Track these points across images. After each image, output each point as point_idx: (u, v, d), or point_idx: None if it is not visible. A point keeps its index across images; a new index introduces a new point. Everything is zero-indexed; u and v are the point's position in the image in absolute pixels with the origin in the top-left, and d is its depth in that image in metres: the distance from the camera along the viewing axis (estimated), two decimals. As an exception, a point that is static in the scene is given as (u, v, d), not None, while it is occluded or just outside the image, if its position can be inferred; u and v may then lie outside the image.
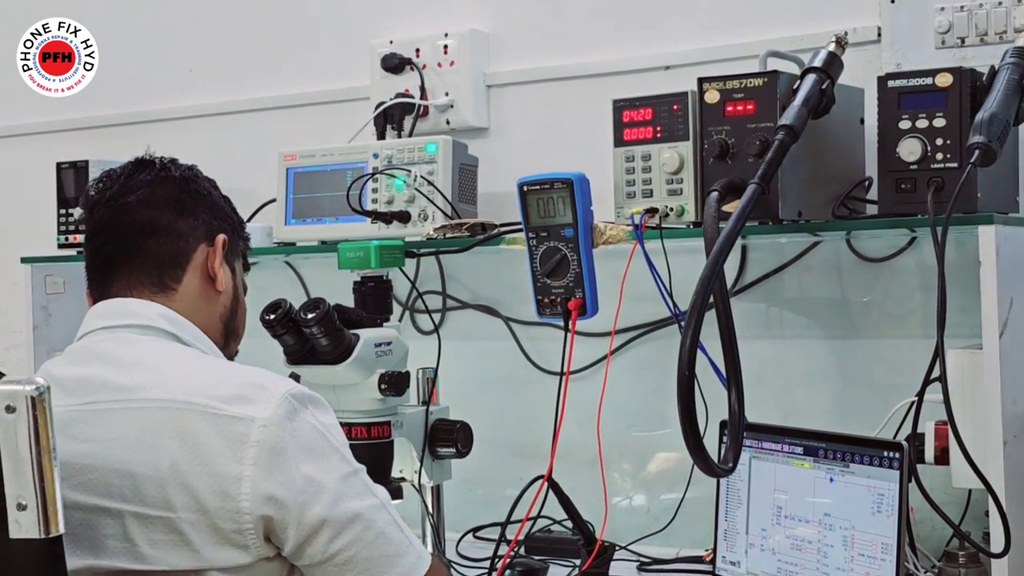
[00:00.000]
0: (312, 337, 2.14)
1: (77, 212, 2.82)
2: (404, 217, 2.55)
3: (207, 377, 1.61)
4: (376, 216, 2.54)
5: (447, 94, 2.81)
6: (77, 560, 1.55)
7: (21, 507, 1.38)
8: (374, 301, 2.34)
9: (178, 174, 1.81)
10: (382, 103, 2.80)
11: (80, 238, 2.84)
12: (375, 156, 2.62)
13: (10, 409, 1.37)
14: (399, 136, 2.78)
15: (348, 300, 2.32)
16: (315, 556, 1.57)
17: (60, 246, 2.88)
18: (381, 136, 2.79)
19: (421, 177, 2.54)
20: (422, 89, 2.81)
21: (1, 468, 1.38)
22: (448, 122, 2.81)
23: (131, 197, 1.76)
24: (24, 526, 1.38)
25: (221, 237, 1.80)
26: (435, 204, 2.52)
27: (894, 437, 2.12)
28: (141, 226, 1.75)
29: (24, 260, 2.94)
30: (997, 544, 1.85)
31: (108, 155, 2.87)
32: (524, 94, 2.80)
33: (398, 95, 2.81)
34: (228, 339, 1.83)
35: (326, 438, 1.60)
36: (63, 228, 2.87)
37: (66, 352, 1.74)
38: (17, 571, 1.40)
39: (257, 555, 1.56)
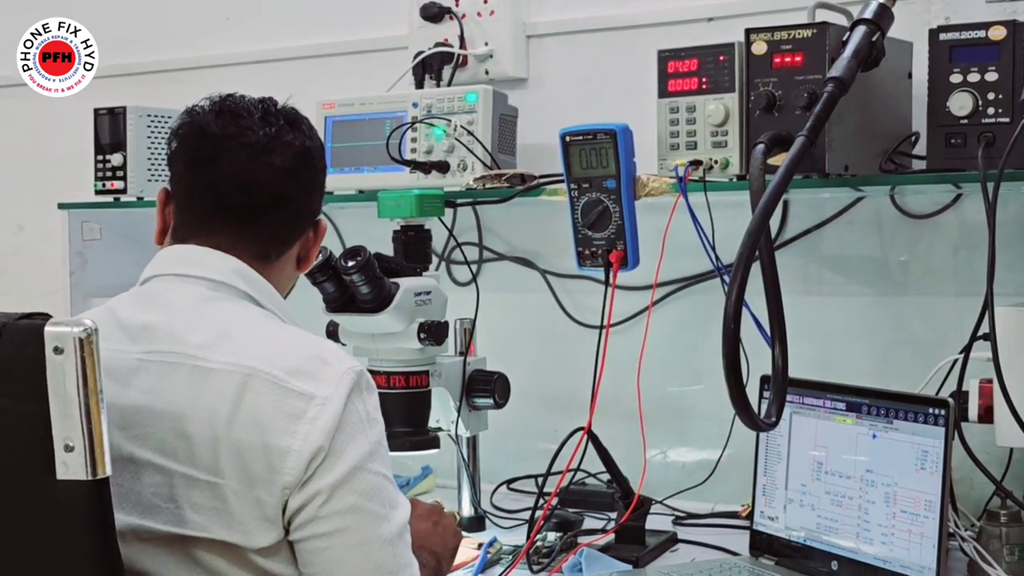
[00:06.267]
0: (352, 285, 2.13)
1: (114, 158, 2.81)
2: (443, 167, 2.53)
3: (274, 344, 1.57)
4: (415, 166, 2.53)
5: (487, 44, 2.78)
6: (123, 517, 1.52)
7: (69, 448, 1.37)
8: (413, 250, 2.33)
9: (308, 139, 1.73)
10: (421, 52, 2.78)
11: (116, 184, 2.84)
12: (414, 105, 2.60)
13: (58, 351, 1.37)
14: (438, 86, 2.76)
15: (384, 249, 2.30)
16: (295, 533, 1.53)
17: (97, 192, 2.88)
18: (420, 85, 2.77)
19: (461, 127, 2.52)
20: (461, 38, 2.79)
21: (49, 409, 1.37)
22: (487, 72, 2.79)
23: (277, 159, 1.67)
24: (71, 467, 1.37)
25: (323, 223, 1.77)
26: (474, 154, 2.50)
27: (936, 395, 2.10)
28: (279, 195, 1.68)
29: (61, 206, 2.94)
30: (1041, 503, 1.84)
31: (145, 102, 2.87)
32: (565, 44, 2.77)
33: (437, 44, 2.78)
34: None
35: (365, 427, 1.55)
36: (100, 175, 2.86)
37: (132, 293, 1.68)
38: (64, 512, 1.40)
39: (284, 533, 1.53)
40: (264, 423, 1.50)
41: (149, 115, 2.84)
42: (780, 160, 1.82)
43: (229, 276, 1.64)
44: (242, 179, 1.66)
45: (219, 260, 1.65)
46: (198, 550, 1.53)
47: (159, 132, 2.85)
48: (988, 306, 1.82)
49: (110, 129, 2.86)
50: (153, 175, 2.85)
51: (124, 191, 2.84)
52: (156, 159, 2.85)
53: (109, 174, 2.85)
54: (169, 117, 2.84)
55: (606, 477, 2.34)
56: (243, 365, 1.53)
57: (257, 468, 1.50)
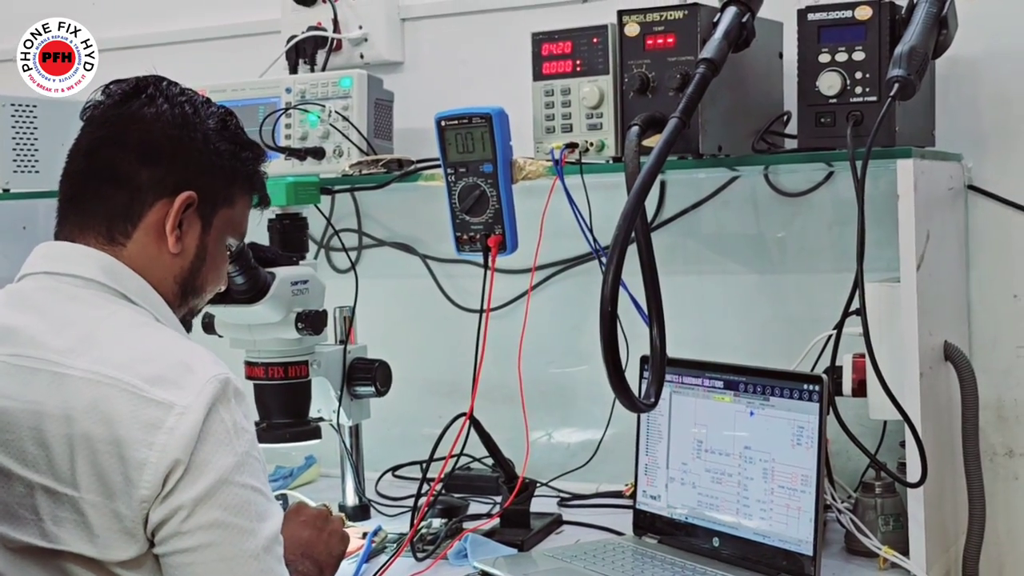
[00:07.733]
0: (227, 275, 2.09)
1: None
2: (318, 153, 2.50)
3: (139, 350, 1.50)
4: (290, 152, 2.49)
5: (360, 27, 2.75)
6: None
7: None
8: (289, 239, 2.30)
9: (169, 111, 1.62)
10: (294, 36, 2.74)
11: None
12: (288, 91, 2.56)
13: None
14: (312, 71, 2.72)
15: (259, 238, 2.27)
16: (158, 548, 1.47)
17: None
18: (293, 70, 2.73)
19: (336, 112, 2.49)
20: (335, 22, 2.75)
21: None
22: (362, 56, 2.76)
23: (107, 131, 1.62)
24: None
25: (184, 195, 1.61)
26: (350, 140, 2.47)
27: (811, 370, 2.13)
28: (101, 168, 1.61)
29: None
30: (914, 474, 1.88)
31: (8, 90, 2.78)
32: (439, 27, 2.76)
33: (310, 28, 2.74)
34: (186, 297, 1.68)
35: (231, 438, 1.48)
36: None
37: (5, 291, 1.62)
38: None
39: (147, 546, 1.48)
40: (121, 434, 1.44)
41: (13, 104, 2.74)
42: (655, 142, 1.83)
43: (97, 274, 1.58)
44: (77, 155, 1.64)
45: (88, 257, 1.59)
46: (63, 562, 1.47)
47: (24, 121, 2.76)
48: (859, 282, 1.84)
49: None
50: (19, 166, 2.76)
51: (-13, 182, 2.75)
52: (22, 149, 2.76)
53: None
54: (34, 106, 2.76)
55: (491, 461, 2.34)
56: (102, 373, 1.46)
57: (115, 480, 1.44)
